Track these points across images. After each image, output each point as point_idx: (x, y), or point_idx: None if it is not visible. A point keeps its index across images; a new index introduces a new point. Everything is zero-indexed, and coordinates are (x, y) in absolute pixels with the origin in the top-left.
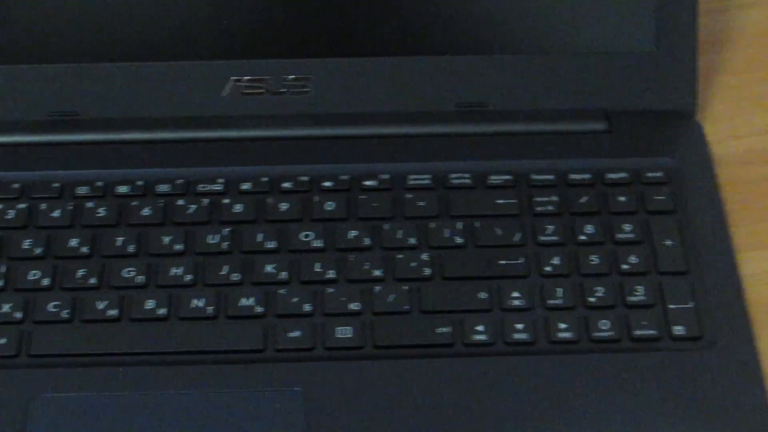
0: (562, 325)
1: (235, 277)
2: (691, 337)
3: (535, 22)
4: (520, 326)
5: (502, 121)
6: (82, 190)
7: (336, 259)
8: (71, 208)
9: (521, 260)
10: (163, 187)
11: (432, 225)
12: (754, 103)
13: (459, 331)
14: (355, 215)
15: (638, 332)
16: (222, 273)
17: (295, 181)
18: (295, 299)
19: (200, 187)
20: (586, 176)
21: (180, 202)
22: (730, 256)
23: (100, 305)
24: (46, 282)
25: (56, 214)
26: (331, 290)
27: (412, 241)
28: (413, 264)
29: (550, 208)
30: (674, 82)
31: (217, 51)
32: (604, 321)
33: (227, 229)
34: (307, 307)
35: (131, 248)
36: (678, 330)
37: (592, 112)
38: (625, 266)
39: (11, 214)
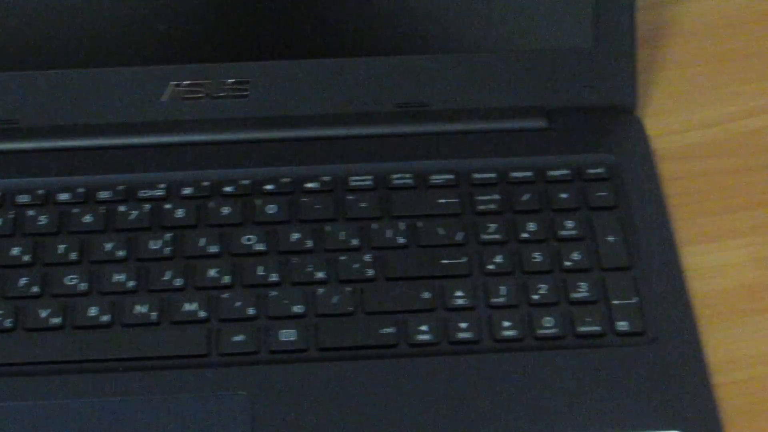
0: (506, 324)
1: (178, 282)
2: (634, 332)
3: (473, 20)
4: (464, 325)
5: (442, 120)
6: (22, 199)
7: (279, 262)
8: (12, 216)
9: (464, 259)
10: (104, 194)
11: (374, 226)
12: (694, 97)
13: (403, 331)
14: (297, 218)
15: (582, 329)
16: (165, 278)
17: (236, 185)
18: (238, 303)
19: (141, 193)
20: (528, 174)
21: (121, 208)
22: (672, 250)
23: (43, 313)
24: None
25: None
26: (274, 293)
27: (355, 242)
28: (356, 265)
29: (492, 206)
30: (613, 77)
31: (156, 56)
32: (548, 318)
33: (169, 235)
34: (250, 311)
35: (73, 256)
36: (622, 326)
37: (532, 110)
38: (567, 263)
39: None
